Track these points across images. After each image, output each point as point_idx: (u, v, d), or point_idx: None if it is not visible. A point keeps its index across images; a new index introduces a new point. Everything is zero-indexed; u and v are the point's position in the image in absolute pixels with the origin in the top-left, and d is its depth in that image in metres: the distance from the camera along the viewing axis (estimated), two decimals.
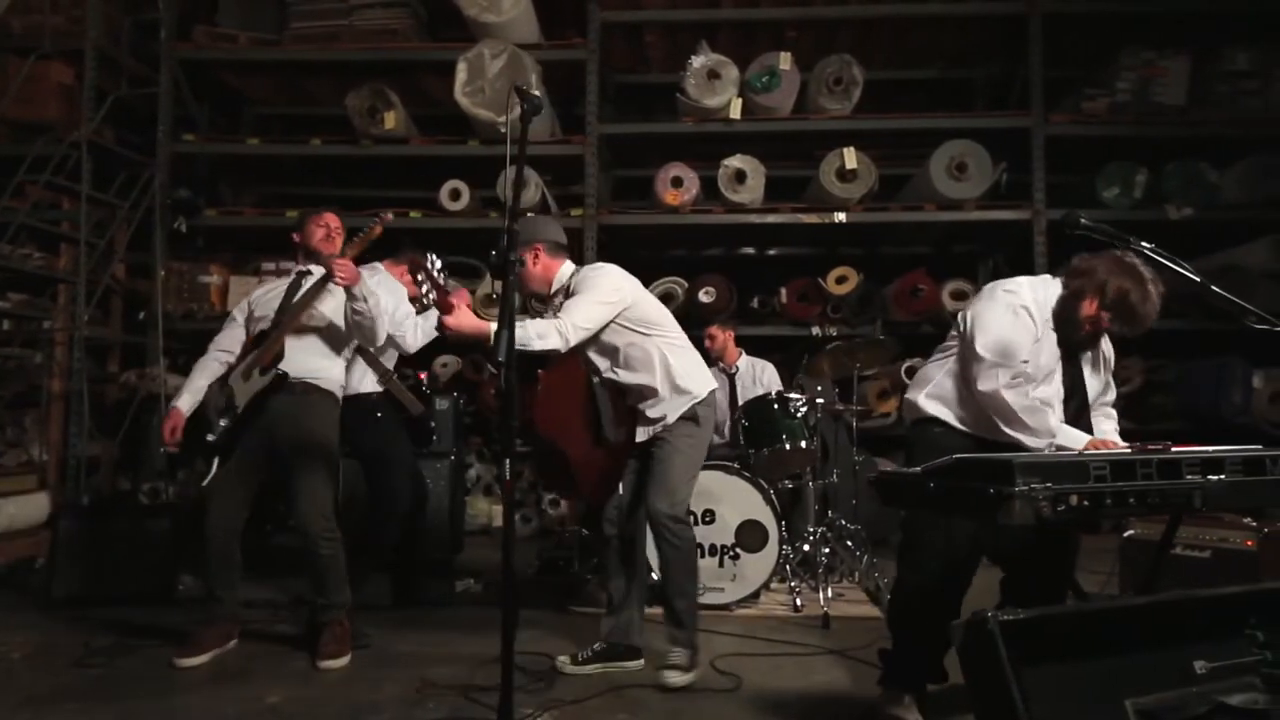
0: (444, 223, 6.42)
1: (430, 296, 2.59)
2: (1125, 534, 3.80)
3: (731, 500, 4.14)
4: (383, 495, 3.81)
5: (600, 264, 3.19)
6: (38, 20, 6.09)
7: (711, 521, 4.13)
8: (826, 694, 3.02)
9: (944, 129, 6.32)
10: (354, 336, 3.43)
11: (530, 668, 3.13)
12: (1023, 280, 2.67)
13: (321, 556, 3.27)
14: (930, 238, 7.28)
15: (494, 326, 2.66)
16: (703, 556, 3.95)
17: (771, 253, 7.88)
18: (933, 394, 2.72)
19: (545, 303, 3.21)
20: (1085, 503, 1.83)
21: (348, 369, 3.76)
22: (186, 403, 3.38)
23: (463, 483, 5.64)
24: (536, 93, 5.65)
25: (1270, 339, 2.34)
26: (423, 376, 4.58)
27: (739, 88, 6.25)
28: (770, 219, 6.38)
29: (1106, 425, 2.74)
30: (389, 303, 3.77)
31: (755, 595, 4.11)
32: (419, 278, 2.55)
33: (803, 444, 4.31)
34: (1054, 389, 2.59)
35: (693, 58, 6.26)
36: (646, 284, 3.44)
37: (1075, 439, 2.47)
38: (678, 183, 6.29)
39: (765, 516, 4.12)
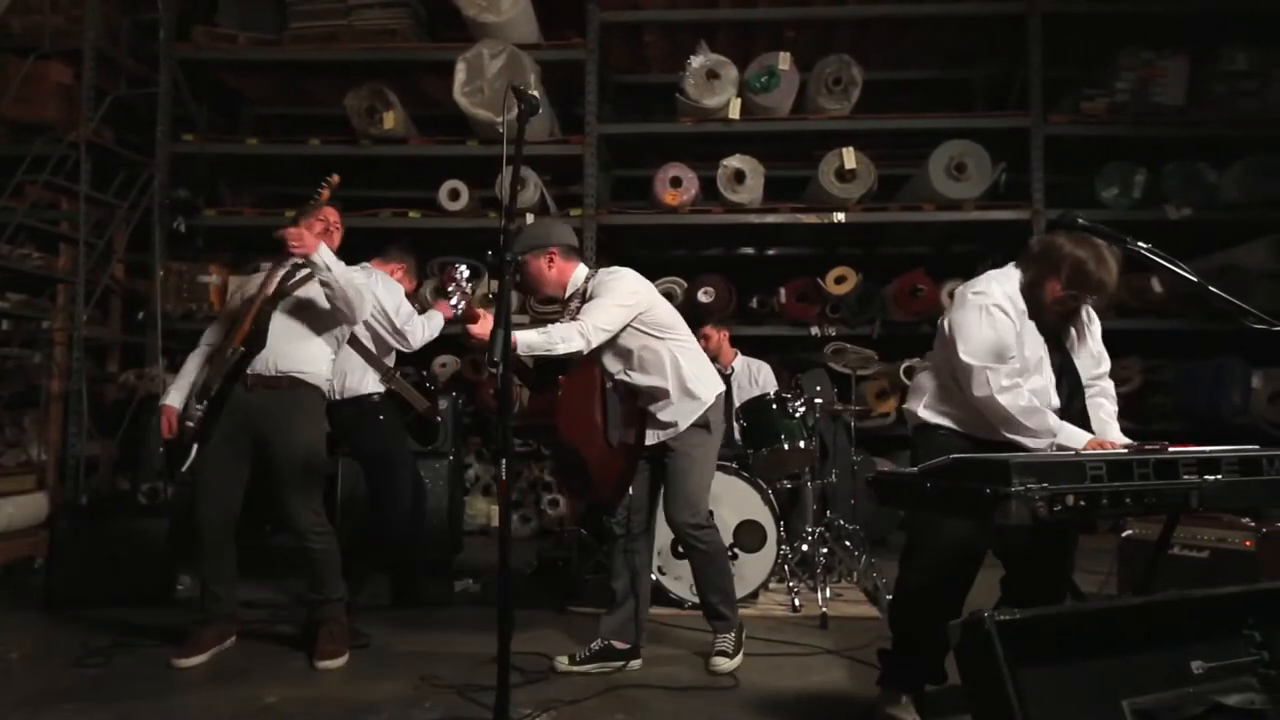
0: (443, 223, 6.43)
1: (460, 307, 2.63)
2: (1123, 534, 3.80)
3: (730, 500, 4.14)
4: (384, 496, 3.81)
5: (616, 268, 3.22)
6: (37, 20, 6.09)
7: None
8: (824, 694, 3.02)
9: (943, 129, 6.32)
10: (338, 319, 3.35)
11: (528, 668, 3.13)
12: (989, 277, 2.67)
13: (314, 551, 3.25)
14: (929, 238, 7.28)
15: (519, 335, 2.76)
16: None
17: (770, 253, 7.89)
18: (930, 405, 2.74)
19: (562, 306, 3.25)
20: (1082, 503, 1.83)
21: (350, 371, 3.76)
22: (176, 398, 3.37)
23: (461, 483, 5.64)
24: (534, 93, 5.67)
25: (1269, 339, 2.33)
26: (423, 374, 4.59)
27: (738, 88, 6.25)
28: (769, 219, 6.38)
29: (1105, 409, 2.71)
30: (390, 301, 3.78)
31: (753, 595, 4.11)
32: (449, 289, 2.57)
33: (801, 444, 4.31)
34: (1046, 377, 2.59)
35: (692, 58, 6.26)
36: None
37: (1075, 438, 2.47)
38: (677, 183, 6.29)
39: (763, 516, 4.12)
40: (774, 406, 4.35)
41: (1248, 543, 3.41)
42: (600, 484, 3.08)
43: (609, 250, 6.59)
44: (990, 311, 2.55)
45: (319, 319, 3.36)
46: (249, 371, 3.23)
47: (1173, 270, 2.39)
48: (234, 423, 3.25)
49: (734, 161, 6.22)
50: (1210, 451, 2.01)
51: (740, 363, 5.16)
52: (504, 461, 2.25)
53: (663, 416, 3.18)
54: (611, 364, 3.20)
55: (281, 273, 3.35)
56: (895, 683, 2.69)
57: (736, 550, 4.10)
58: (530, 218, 6.21)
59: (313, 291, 3.33)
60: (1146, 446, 2.06)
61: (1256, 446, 2.09)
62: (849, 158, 6.14)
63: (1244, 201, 6.14)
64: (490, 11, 6.11)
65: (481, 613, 3.96)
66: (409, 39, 6.56)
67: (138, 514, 4.52)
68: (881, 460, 6.07)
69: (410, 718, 2.76)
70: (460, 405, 5.21)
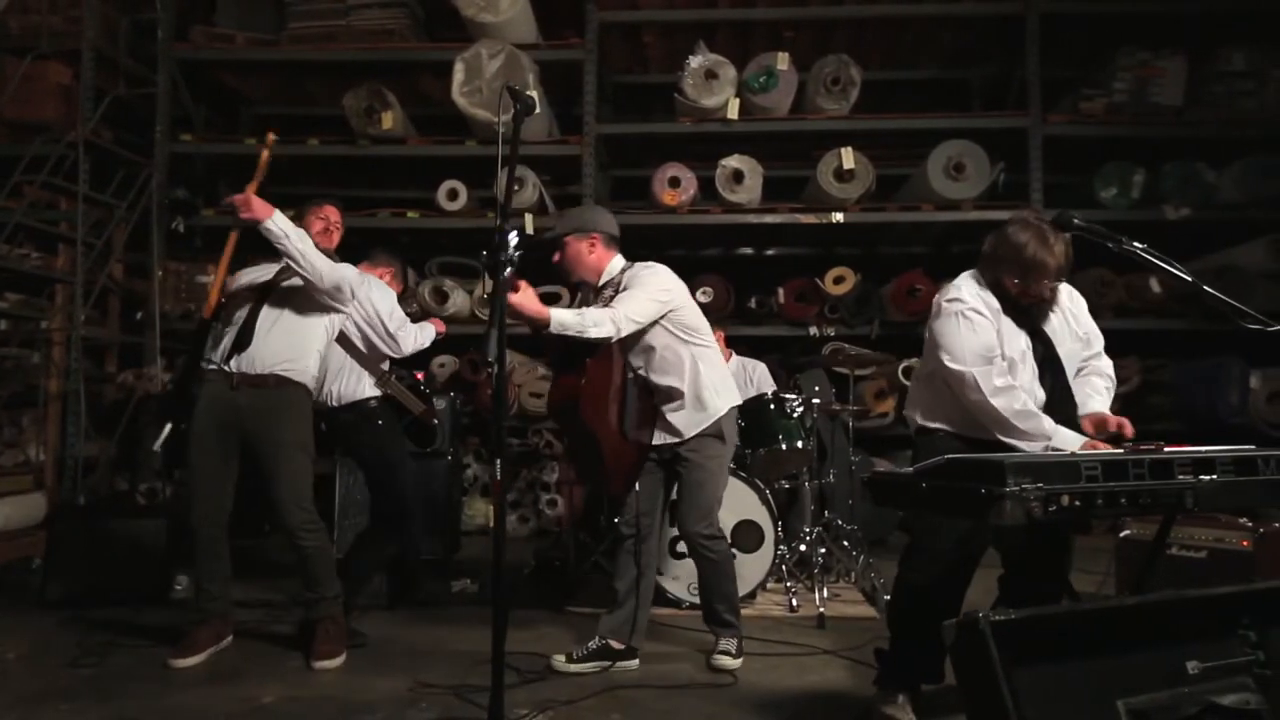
0: (441, 223, 6.43)
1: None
2: (1121, 534, 3.80)
3: (727, 500, 4.05)
4: (385, 498, 3.80)
5: (652, 263, 3.26)
6: (35, 20, 6.10)
7: None
8: (821, 694, 3.02)
9: (941, 129, 6.32)
10: (325, 310, 3.34)
11: (525, 668, 3.13)
12: (960, 281, 2.69)
13: (306, 548, 3.24)
14: (928, 238, 7.28)
15: (554, 313, 2.84)
16: None
17: (769, 253, 7.89)
18: (925, 409, 2.77)
19: (595, 294, 3.28)
20: (1077, 503, 1.83)
21: (345, 377, 3.75)
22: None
23: (460, 483, 5.64)
24: (531, 93, 5.67)
25: (1267, 339, 2.33)
26: (420, 377, 4.59)
27: (736, 88, 6.26)
28: (768, 219, 6.38)
29: (1092, 383, 2.67)
30: (384, 305, 3.76)
31: (751, 595, 4.10)
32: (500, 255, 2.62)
33: (799, 444, 4.31)
34: (1029, 371, 2.59)
35: (690, 58, 6.27)
36: None
37: (1070, 441, 2.47)
38: (675, 183, 6.29)
39: (761, 516, 4.12)
40: (772, 406, 4.35)
41: (1245, 543, 3.41)
42: (612, 472, 3.12)
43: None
44: (967, 316, 2.58)
45: (305, 316, 3.34)
46: (235, 370, 3.23)
47: (1168, 270, 2.39)
48: (221, 422, 3.24)
49: (732, 161, 6.22)
50: (1205, 452, 2.01)
51: (735, 363, 5.16)
52: (499, 462, 2.25)
53: (672, 420, 3.21)
54: (634, 359, 3.24)
55: (274, 270, 3.35)
56: (892, 682, 2.69)
57: (734, 550, 4.09)
58: (529, 218, 6.21)
59: (298, 289, 3.32)
60: (1142, 446, 2.06)
61: (1252, 446, 2.09)
62: (847, 158, 6.14)
63: (1242, 201, 6.15)
64: (488, 11, 6.11)
65: (479, 613, 3.95)
66: (407, 39, 6.57)
67: (136, 514, 4.51)
68: (880, 460, 6.07)
69: (406, 718, 2.76)
70: (458, 406, 5.21)
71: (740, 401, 3.35)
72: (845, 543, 4.67)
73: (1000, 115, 6.55)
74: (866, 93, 6.43)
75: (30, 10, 6.16)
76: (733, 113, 6.26)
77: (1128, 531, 3.76)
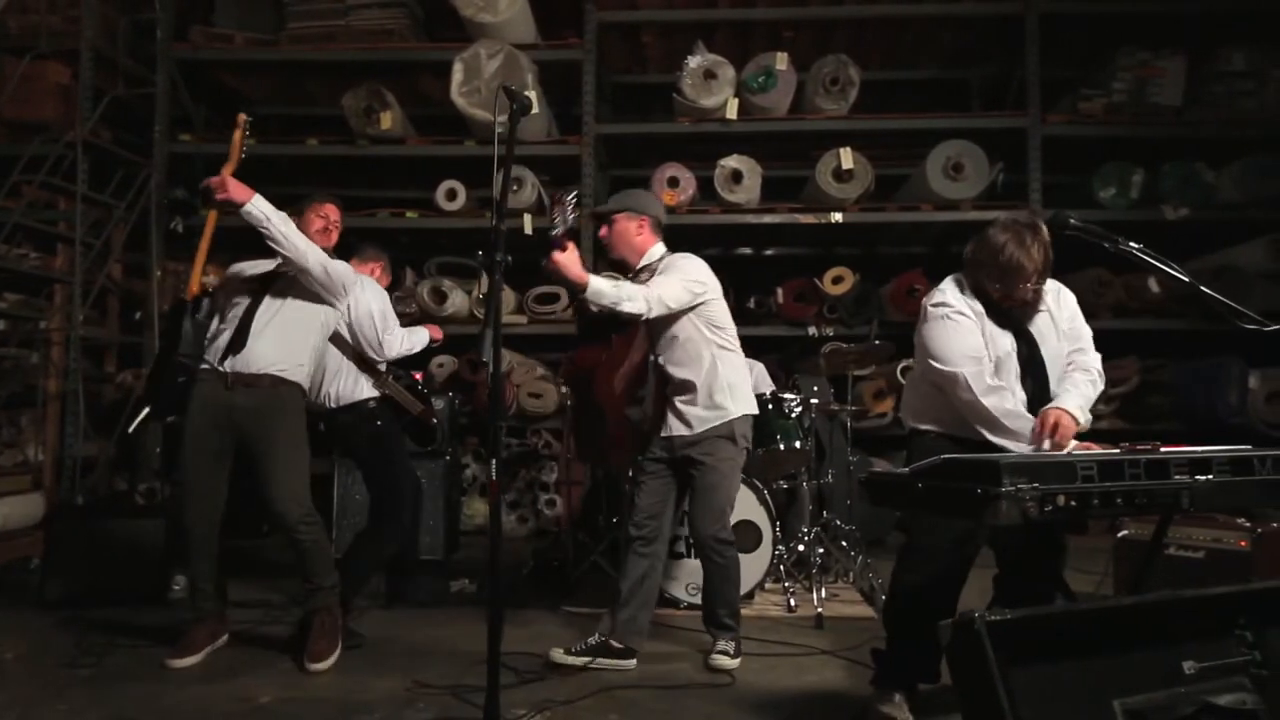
0: (440, 223, 6.43)
1: (557, 227, 2.71)
2: (1119, 534, 3.80)
3: None
4: (385, 500, 3.80)
5: (689, 254, 3.33)
6: (34, 20, 6.09)
7: None
8: (819, 694, 3.02)
9: (940, 129, 6.32)
10: (319, 300, 3.33)
11: (522, 668, 3.13)
12: (945, 285, 2.71)
13: (303, 543, 3.22)
14: (927, 238, 7.28)
15: (592, 279, 2.92)
16: (696, 556, 3.94)
17: (768, 253, 7.89)
18: (917, 410, 2.81)
19: (632, 276, 3.33)
20: (1073, 503, 1.83)
21: (343, 379, 3.75)
22: None
23: (458, 483, 5.64)
24: (529, 93, 5.66)
25: (1267, 339, 2.33)
26: (418, 377, 4.59)
27: (735, 88, 6.25)
28: (767, 219, 6.38)
29: (1071, 379, 2.61)
30: (377, 305, 3.76)
31: (749, 595, 4.10)
32: (555, 209, 2.67)
33: (797, 444, 4.31)
34: (1014, 371, 2.60)
35: (689, 58, 6.26)
36: None
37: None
38: (674, 183, 6.29)
39: (759, 516, 4.11)
40: (770, 406, 4.35)
41: (1243, 543, 3.41)
42: (609, 443, 3.15)
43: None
44: (952, 318, 2.61)
45: (301, 315, 3.34)
46: (230, 371, 3.22)
47: (1164, 270, 2.39)
48: (216, 422, 3.23)
49: (731, 161, 6.22)
50: (1201, 452, 2.01)
51: None
52: (494, 462, 2.26)
53: (685, 411, 3.24)
54: (657, 346, 3.29)
55: (269, 266, 3.35)
56: (888, 682, 2.70)
57: None
58: (528, 218, 6.21)
59: (294, 288, 3.32)
60: (1138, 446, 2.06)
61: (1248, 447, 2.09)
62: (846, 158, 6.14)
63: (1241, 201, 6.14)
64: (487, 11, 6.11)
65: (477, 612, 3.95)
66: (406, 39, 6.57)
67: (134, 514, 4.51)
68: (878, 460, 6.07)
69: (404, 717, 2.76)
70: (457, 406, 5.20)
71: (756, 411, 3.37)
72: (843, 543, 4.66)
73: (999, 115, 6.55)
74: (866, 93, 6.43)
75: (29, 10, 6.16)
76: (731, 113, 6.26)
77: (1126, 531, 3.76)
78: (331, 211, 3.50)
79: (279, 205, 3.22)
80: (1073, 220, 2.48)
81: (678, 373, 3.25)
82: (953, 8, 6.52)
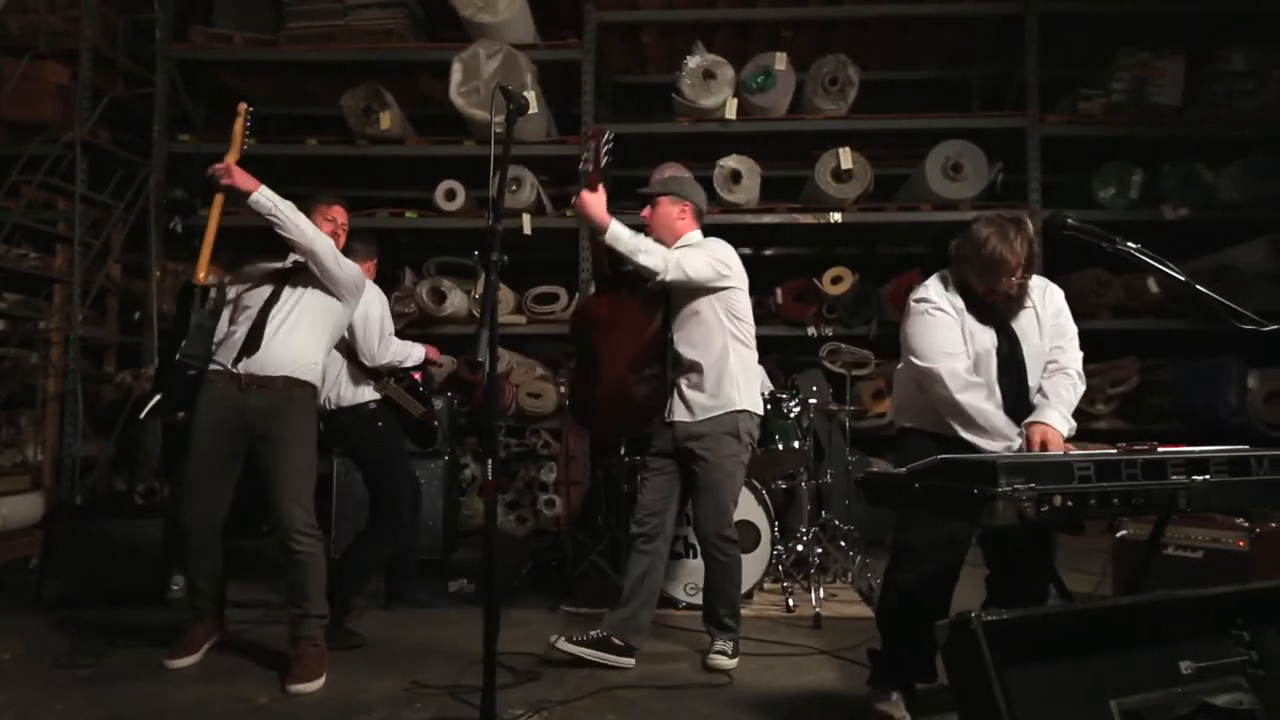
0: (440, 223, 6.42)
1: (586, 165, 2.72)
2: (1118, 534, 3.80)
3: None
4: (385, 501, 3.80)
5: (722, 240, 3.36)
6: (33, 20, 6.08)
7: None
8: (817, 693, 3.02)
9: (940, 129, 6.31)
10: (333, 295, 3.31)
11: (520, 668, 3.13)
12: (929, 281, 2.74)
13: (299, 552, 3.14)
14: (926, 238, 7.27)
15: (614, 223, 3.01)
16: (695, 556, 3.94)
17: (767, 253, 7.88)
18: (902, 409, 2.85)
19: None
20: (1069, 503, 1.83)
21: (344, 381, 3.75)
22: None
23: (457, 483, 5.64)
24: (529, 93, 5.67)
25: (1267, 339, 2.33)
26: (418, 378, 4.59)
27: (734, 88, 6.25)
28: (766, 219, 6.37)
29: (1048, 387, 2.59)
30: (375, 309, 3.74)
31: (748, 595, 4.10)
32: (588, 148, 2.72)
33: (796, 444, 4.31)
34: (992, 369, 2.61)
35: (688, 58, 6.26)
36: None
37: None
38: None
39: (758, 516, 4.11)
40: (769, 406, 4.34)
41: (1241, 543, 3.41)
42: (598, 409, 3.16)
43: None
44: (931, 314, 2.63)
45: (314, 316, 3.31)
46: (243, 372, 3.17)
47: (1162, 270, 2.38)
48: (228, 423, 3.18)
49: (730, 162, 6.22)
50: (1199, 452, 2.00)
51: None
52: (489, 462, 2.26)
53: (688, 396, 3.25)
54: (674, 321, 3.30)
55: (281, 265, 3.34)
56: (884, 681, 2.70)
57: None
58: (526, 218, 6.21)
59: (306, 287, 3.29)
60: (1135, 446, 2.06)
61: (1246, 447, 2.09)
62: (845, 158, 6.13)
63: (1241, 201, 6.13)
64: (487, 11, 6.11)
65: (476, 613, 3.89)
66: (406, 39, 6.56)
67: (133, 514, 4.51)
68: (877, 460, 6.06)
69: (402, 718, 2.76)
70: (455, 406, 5.20)
71: (762, 414, 3.38)
72: (842, 543, 4.67)
73: (998, 115, 6.54)
74: (866, 93, 6.42)
75: (28, 10, 6.15)
76: (731, 113, 6.25)
77: (1124, 532, 3.76)
78: (339, 214, 3.48)
79: None
80: (1070, 220, 2.48)
81: (688, 353, 3.26)
82: (953, 8, 6.51)
